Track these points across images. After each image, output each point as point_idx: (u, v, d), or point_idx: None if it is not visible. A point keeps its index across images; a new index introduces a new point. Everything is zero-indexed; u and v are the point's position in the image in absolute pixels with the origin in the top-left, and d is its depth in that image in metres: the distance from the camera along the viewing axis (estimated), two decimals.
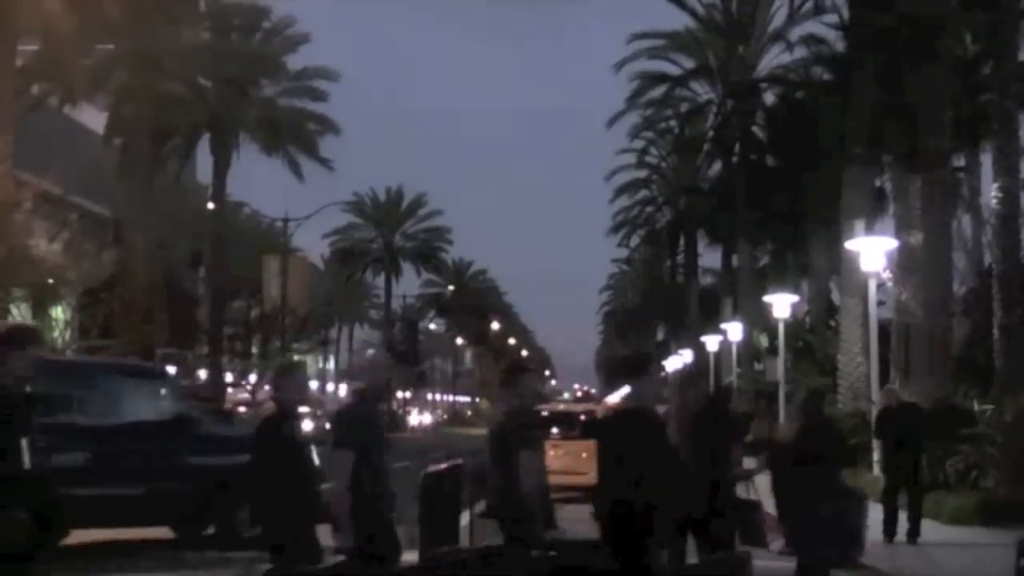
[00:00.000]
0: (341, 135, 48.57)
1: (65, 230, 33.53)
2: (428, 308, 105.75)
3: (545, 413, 24.81)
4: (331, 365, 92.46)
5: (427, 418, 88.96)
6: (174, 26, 36.55)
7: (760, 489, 11.35)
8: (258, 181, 67.92)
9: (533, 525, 8.18)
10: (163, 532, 14.43)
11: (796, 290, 38.51)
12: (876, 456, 21.92)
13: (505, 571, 6.28)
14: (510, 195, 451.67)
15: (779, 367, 32.79)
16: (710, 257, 61.69)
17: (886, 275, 26.01)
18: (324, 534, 7.68)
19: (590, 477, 22.81)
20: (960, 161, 30.60)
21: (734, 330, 42.78)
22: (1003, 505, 16.15)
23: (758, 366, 43.05)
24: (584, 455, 22.63)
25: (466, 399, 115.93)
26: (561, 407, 27.38)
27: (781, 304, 33.13)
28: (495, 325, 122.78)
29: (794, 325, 37.34)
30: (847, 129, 29.33)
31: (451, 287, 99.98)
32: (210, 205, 46.42)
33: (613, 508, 7.71)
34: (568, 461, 22.65)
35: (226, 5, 45.77)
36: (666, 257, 69.87)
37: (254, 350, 58.73)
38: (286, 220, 48.32)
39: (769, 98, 44.44)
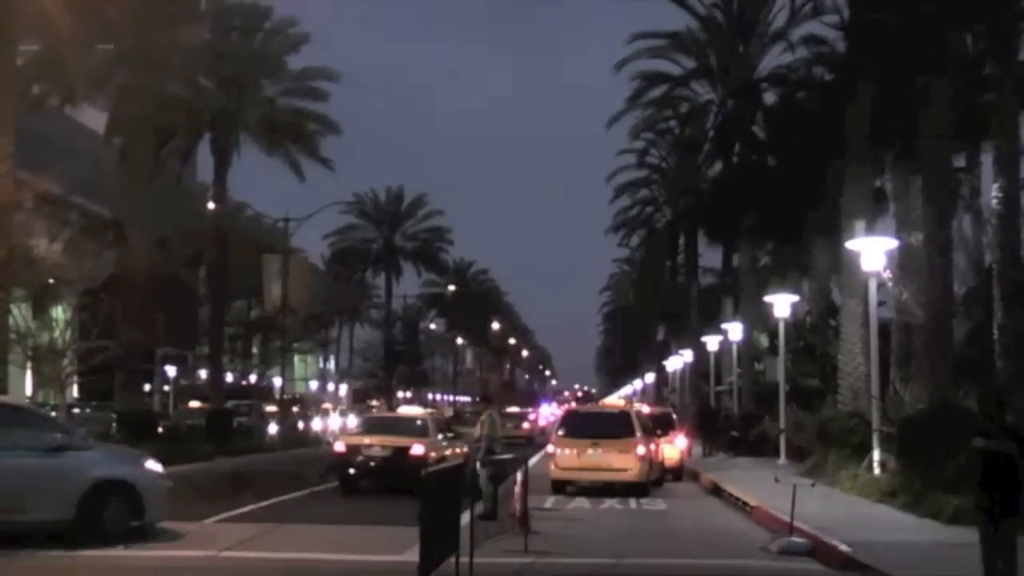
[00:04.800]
0: (342, 135, 48.62)
1: (65, 230, 33.54)
2: (428, 308, 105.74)
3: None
4: (331, 365, 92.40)
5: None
6: (174, 26, 36.49)
7: None
8: (258, 181, 67.87)
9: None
10: None
11: (796, 290, 38.45)
12: (876, 456, 22.00)
13: None
14: (510, 195, 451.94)
15: (779, 367, 32.78)
16: (710, 257, 61.60)
17: (886, 275, 26.01)
18: None
19: (630, 473, 23.10)
20: (960, 161, 30.57)
21: (734, 330, 42.78)
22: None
23: (758, 366, 43.05)
24: (622, 453, 22.78)
25: (466, 399, 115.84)
26: (598, 409, 27.68)
27: (781, 304, 33.10)
28: (495, 325, 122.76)
29: (794, 325, 37.32)
30: (848, 129, 29.30)
31: (451, 287, 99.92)
32: (210, 205, 46.39)
33: None
34: (609, 458, 22.81)
35: (227, 5, 45.69)
36: (666, 257, 69.73)
37: (254, 350, 58.60)
38: (286, 220, 48.30)
39: (769, 98, 44.36)
